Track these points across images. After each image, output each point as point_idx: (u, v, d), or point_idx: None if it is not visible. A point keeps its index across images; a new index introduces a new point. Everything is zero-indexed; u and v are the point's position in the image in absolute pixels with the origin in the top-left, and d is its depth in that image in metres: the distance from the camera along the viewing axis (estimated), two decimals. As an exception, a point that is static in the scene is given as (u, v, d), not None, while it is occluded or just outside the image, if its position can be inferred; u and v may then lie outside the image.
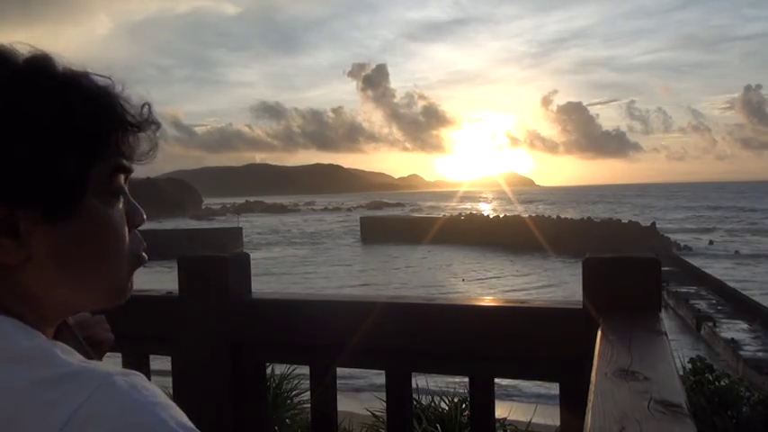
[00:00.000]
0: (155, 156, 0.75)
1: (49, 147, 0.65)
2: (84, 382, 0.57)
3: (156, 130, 0.74)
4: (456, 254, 56.81)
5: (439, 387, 5.21)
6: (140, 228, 0.77)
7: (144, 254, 0.77)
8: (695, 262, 42.68)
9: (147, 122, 0.73)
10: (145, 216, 0.77)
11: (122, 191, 0.73)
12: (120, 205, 0.73)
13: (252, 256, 1.90)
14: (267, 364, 2.05)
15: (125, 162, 0.72)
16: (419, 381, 4.48)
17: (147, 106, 0.74)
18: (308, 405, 3.04)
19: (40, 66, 0.68)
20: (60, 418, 0.54)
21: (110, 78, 0.72)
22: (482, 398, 1.63)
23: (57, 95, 0.67)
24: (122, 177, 0.73)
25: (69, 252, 0.68)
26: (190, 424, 0.59)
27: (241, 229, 73.37)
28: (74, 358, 0.62)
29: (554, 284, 38.97)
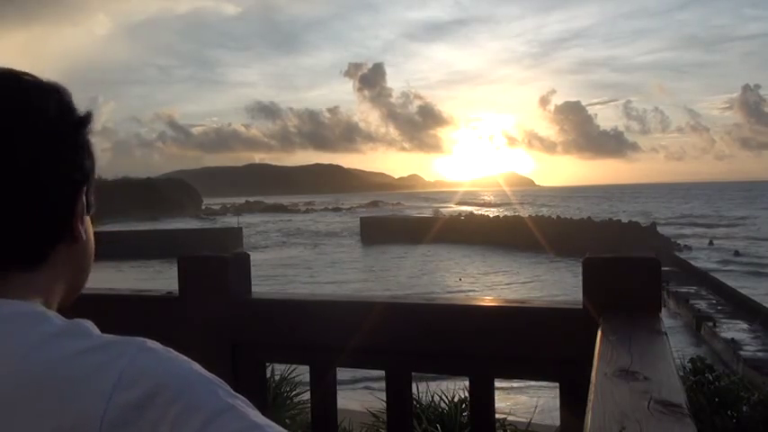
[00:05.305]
0: None
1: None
2: (125, 347, 0.63)
3: None
4: (456, 254, 56.77)
5: (439, 387, 5.21)
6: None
7: None
8: (695, 262, 42.65)
9: None
10: None
11: None
12: None
13: (252, 256, 1.90)
14: (267, 364, 2.04)
15: None
16: (419, 381, 4.48)
17: None
18: (308, 405, 3.03)
19: (29, 76, 0.74)
20: (110, 378, 0.59)
21: None
22: (482, 398, 1.63)
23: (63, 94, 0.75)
24: None
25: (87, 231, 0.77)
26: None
27: (241, 229, 73.16)
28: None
29: (554, 284, 38.96)
